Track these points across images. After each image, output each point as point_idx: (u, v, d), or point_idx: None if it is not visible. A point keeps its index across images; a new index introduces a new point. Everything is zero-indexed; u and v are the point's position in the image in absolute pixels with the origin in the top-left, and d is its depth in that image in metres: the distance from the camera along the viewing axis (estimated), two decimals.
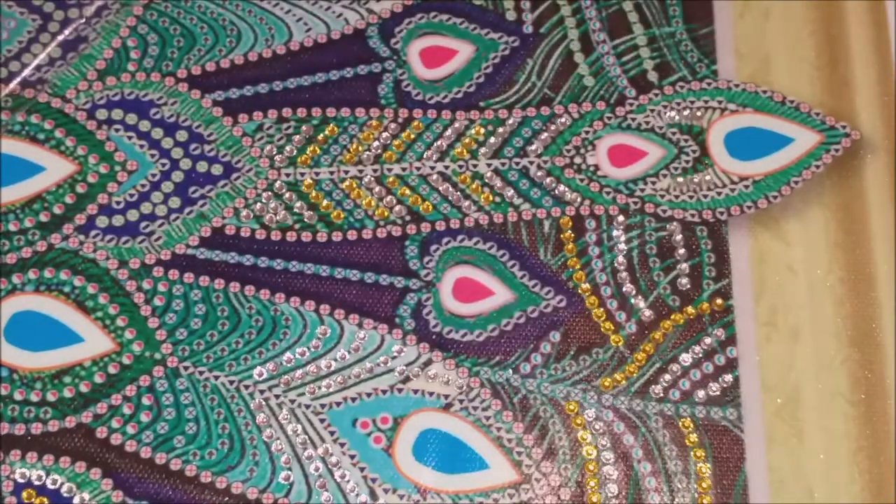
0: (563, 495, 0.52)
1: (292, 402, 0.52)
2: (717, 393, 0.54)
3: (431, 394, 0.53)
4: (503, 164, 0.57)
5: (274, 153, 0.57)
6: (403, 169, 0.57)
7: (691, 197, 0.56)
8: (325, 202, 0.56)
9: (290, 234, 0.55)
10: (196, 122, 0.57)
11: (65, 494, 0.51)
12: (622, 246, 0.56)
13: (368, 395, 0.53)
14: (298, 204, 0.56)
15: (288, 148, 0.57)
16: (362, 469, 0.52)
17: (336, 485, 0.51)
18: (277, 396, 0.52)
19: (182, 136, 0.57)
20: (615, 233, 0.56)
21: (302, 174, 0.56)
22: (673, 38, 0.59)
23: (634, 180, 0.57)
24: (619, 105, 0.58)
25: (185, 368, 0.53)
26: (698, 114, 0.57)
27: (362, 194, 0.56)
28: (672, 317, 0.55)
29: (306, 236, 0.55)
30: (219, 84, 0.58)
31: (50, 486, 0.51)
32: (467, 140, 0.58)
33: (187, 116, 0.57)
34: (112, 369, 0.52)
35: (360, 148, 0.57)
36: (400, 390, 0.53)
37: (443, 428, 0.53)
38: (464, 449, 0.52)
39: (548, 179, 0.57)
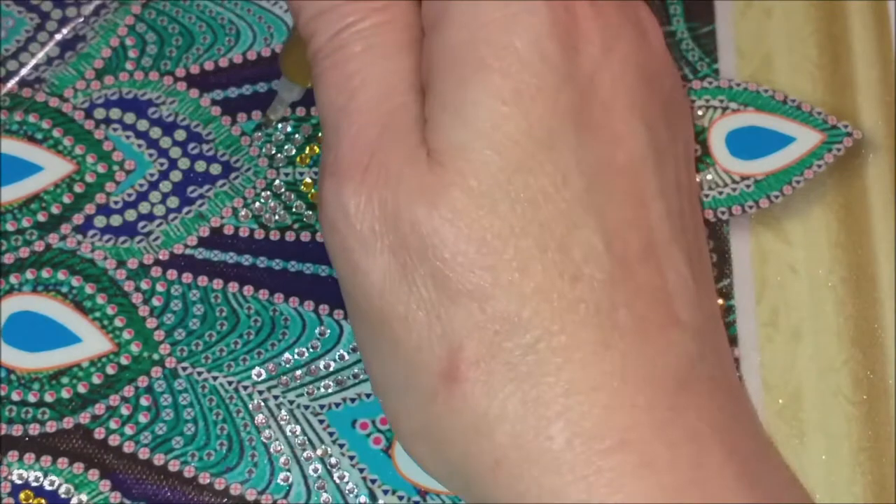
0: None
1: (291, 402, 0.52)
2: None
3: None
4: None
5: (273, 152, 0.56)
6: None
7: None
8: None
9: (289, 234, 0.55)
10: (194, 122, 0.57)
11: (63, 496, 0.51)
12: None
13: (368, 395, 0.53)
14: (297, 203, 0.56)
15: (287, 147, 0.56)
16: (362, 470, 0.51)
17: (335, 486, 0.51)
18: (276, 397, 0.52)
19: (180, 135, 0.56)
20: None
21: (301, 173, 0.56)
22: (673, 37, 0.59)
23: None
24: None
25: (184, 369, 0.53)
26: (699, 113, 0.57)
27: None
28: None
29: (305, 236, 0.55)
30: (217, 83, 0.57)
31: (48, 488, 0.51)
32: None
33: (186, 116, 0.57)
34: (110, 370, 0.52)
35: None
36: None
37: None
38: None
39: None
